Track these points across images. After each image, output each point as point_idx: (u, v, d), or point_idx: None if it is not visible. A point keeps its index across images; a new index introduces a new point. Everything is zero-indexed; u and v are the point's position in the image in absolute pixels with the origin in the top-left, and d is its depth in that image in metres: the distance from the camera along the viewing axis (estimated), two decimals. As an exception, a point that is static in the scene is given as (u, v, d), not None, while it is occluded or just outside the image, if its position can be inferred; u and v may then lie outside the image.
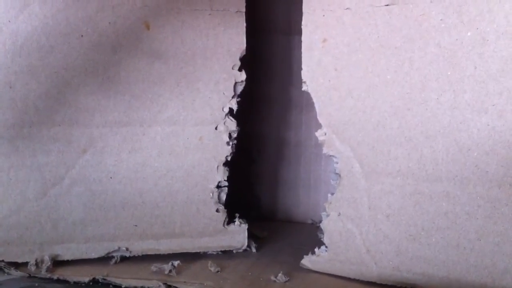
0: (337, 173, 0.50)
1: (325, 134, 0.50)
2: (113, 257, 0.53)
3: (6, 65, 0.48)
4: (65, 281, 0.50)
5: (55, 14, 0.49)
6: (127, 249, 0.53)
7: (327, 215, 0.51)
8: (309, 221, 0.71)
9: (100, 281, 0.50)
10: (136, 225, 0.53)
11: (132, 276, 0.50)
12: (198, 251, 0.55)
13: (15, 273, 0.50)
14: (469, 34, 0.43)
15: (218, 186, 0.55)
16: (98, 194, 0.52)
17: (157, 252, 0.54)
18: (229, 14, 0.53)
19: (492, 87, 0.42)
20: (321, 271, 0.52)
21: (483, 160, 0.43)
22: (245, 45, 0.54)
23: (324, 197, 0.57)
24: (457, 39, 0.43)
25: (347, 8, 0.48)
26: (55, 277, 0.50)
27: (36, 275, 0.50)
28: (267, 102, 0.71)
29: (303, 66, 0.51)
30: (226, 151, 0.55)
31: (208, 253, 0.56)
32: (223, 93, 0.54)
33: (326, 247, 0.51)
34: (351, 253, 0.50)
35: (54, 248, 0.52)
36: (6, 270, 0.51)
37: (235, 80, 0.54)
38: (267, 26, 0.70)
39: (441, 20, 0.44)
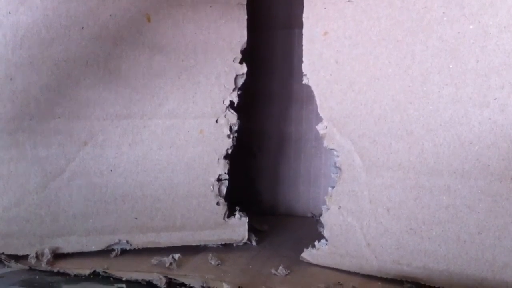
0: (337, 167, 0.50)
1: (326, 127, 0.50)
2: (113, 250, 0.54)
3: (7, 57, 0.48)
4: (66, 274, 0.50)
5: (56, 6, 0.49)
6: (127, 242, 0.53)
7: (328, 209, 0.51)
8: (309, 215, 0.71)
9: (101, 274, 0.50)
10: (136, 218, 0.53)
11: (132, 269, 0.50)
12: (199, 244, 0.56)
13: (16, 266, 0.50)
14: (471, 27, 0.43)
15: (219, 179, 0.55)
16: (98, 187, 0.52)
17: (158, 245, 0.54)
18: (230, 7, 0.53)
19: (494, 81, 0.42)
20: (321, 264, 0.52)
21: (484, 154, 0.43)
22: (246, 38, 0.54)
23: (324, 191, 0.57)
24: (459, 33, 0.43)
25: (348, 1, 0.48)
26: (55, 270, 0.50)
27: (37, 268, 0.50)
28: (267, 97, 0.71)
29: (304, 59, 0.51)
30: (226, 144, 0.55)
31: (208, 246, 0.56)
32: (224, 86, 0.54)
33: (326, 240, 0.51)
34: (351, 246, 0.50)
35: (55, 241, 0.52)
36: (6, 263, 0.51)
37: (236, 73, 0.54)
38: (267, 20, 0.70)
39: (443, 13, 0.44)
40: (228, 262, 0.53)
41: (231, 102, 0.54)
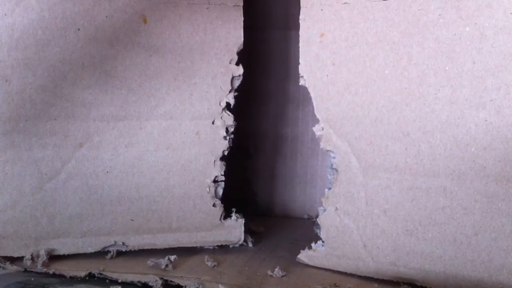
0: (334, 168, 0.50)
1: (323, 129, 0.50)
2: (109, 251, 0.53)
3: (2, 58, 0.48)
4: (61, 276, 0.50)
5: (52, 7, 0.48)
6: (123, 243, 0.53)
7: (324, 210, 0.51)
8: (306, 216, 0.71)
9: (96, 275, 0.50)
10: (132, 220, 0.53)
11: (128, 271, 0.50)
12: (195, 245, 0.55)
13: (11, 268, 0.50)
14: (467, 29, 0.43)
15: (215, 181, 0.55)
16: (94, 189, 0.52)
17: (154, 247, 0.54)
18: (227, 8, 0.53)
19: (490, 82, 0.42)
20: (317, 266, 0.52)
21: (480, 155, 0.43)
22: (242, 40, 0.54)
23: (321, 192, 0.57)
24: (455, 34, 0.43)
25: (345, 3, 0.48)
26: (51, 272, 0.50)
27: (32, 270, 0.50)
28: (264, 97, 0.71)
29: (300, 61, 0.51)
30: (223, 145, 0.55)
31: (204, 247, 0.56)
32: (220, 88, 0.54)
33: (323, 242, 0.51)
34: (348, 248, 0.50)
35: (50, 243, 0.52)
36: (1, 265, 0.50)
37: (232, 74, 0.54)
38: (264, 21, 0.70)
39: (439, 15, 0.44)
40: (224, 263, 0.53)
41: (228, 104, 0.54)
